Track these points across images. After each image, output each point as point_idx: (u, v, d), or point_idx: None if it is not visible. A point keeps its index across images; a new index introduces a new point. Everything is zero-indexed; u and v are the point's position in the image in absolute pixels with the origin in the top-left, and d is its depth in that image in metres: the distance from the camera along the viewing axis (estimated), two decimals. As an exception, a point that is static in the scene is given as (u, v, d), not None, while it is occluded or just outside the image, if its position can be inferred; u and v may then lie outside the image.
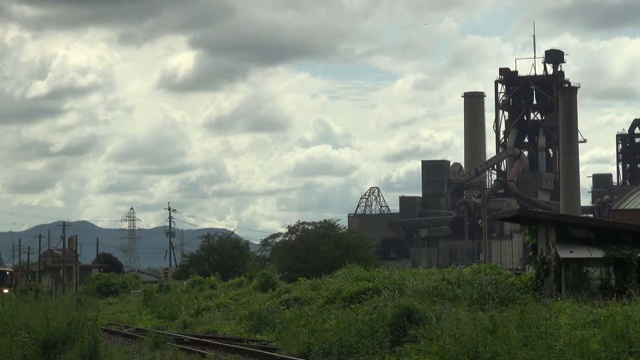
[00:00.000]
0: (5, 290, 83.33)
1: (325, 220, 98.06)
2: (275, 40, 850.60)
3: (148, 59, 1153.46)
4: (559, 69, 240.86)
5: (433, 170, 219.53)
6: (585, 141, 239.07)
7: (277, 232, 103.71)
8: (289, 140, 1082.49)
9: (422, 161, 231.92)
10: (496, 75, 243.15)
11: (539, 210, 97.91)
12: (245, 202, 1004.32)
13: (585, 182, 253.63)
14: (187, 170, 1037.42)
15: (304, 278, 57.38)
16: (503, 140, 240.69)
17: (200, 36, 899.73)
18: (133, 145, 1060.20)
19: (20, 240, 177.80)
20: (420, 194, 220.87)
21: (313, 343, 30.71)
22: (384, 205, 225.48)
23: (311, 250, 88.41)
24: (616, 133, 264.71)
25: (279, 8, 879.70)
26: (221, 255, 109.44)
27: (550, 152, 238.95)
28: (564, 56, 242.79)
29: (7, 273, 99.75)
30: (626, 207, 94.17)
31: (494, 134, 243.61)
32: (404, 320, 30.27)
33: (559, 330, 25.30)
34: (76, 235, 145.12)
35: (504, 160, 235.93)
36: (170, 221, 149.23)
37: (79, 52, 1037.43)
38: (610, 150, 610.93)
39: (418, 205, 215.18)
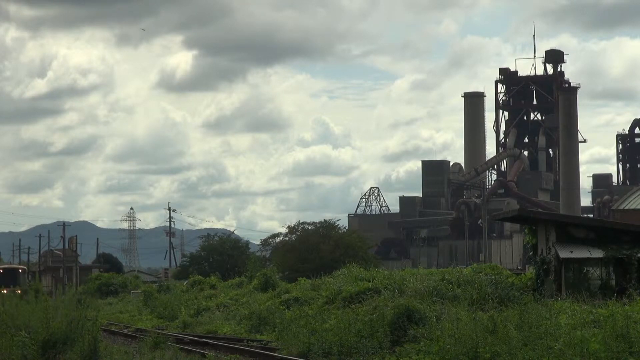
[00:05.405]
0: (18, 291, 76.93)
1: (325, 220, 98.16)
2: (273, 41, 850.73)
3: (146, 60, 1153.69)
4: (558, 69, 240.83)
5: (433, 170, 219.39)
6: (585, 141, 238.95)
7: (276, 232, 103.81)
8: (288, 140, 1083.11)
9: (422, 161, 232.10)
10: (496, 75, 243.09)
11: (539, 210, 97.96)
12: (245, 202, 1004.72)
13: (585, 182, 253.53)
14: (187, 170, 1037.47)
15: (304, 278, 57.34)
16: (503, 140, 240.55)
17: (197, 36, 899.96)
18: (133, 145, 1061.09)
19: (20, 240, 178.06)
20: (420, 194, 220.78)
21: (313, 343, 30.71)
22: (384, 205, 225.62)
23: (311, 250, 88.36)
24: (616, 133, 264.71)
25: (276, 8, 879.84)
26: (221, 255, 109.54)
27: (550, 152, 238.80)
28: (564, 56, 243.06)
29: (20, 271, 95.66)
30: (626, 207, 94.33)
31: (494, 134, 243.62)
32: (404, 320, 30.28)
33: (559, 330, 25.29)
34: (76, 235, 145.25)
35: (504, 160, 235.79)
36: (170, 221, 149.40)
37: (78, 52, 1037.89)
38: (610, 150, 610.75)
39: (418, 205, 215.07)
